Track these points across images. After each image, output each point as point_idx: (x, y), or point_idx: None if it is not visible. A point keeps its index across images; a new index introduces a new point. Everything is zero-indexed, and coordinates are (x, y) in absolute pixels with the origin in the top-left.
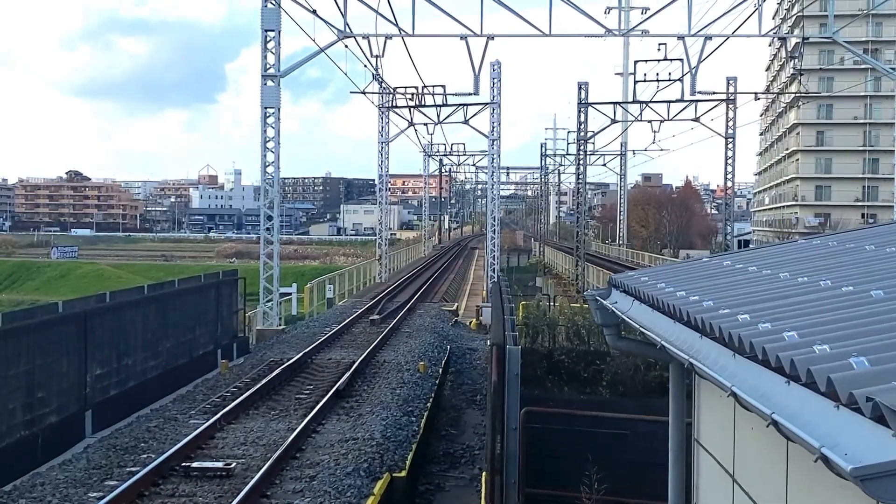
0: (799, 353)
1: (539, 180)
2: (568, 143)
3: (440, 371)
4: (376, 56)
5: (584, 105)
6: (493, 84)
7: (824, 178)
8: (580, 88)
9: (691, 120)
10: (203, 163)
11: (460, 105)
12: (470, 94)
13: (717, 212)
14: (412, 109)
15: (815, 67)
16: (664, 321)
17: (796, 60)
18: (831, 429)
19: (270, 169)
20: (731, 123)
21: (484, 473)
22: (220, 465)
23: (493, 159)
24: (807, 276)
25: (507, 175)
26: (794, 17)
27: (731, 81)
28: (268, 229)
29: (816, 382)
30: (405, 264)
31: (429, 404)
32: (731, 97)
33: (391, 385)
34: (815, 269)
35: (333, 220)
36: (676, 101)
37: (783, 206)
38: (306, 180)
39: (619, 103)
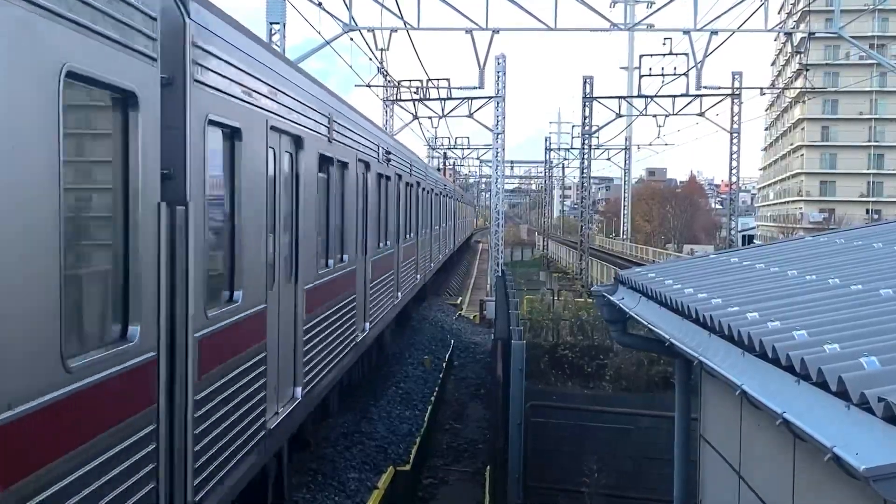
0: (809, 353)
1: (543, 174)
2: (572, 138)
3: (444, 365)
4: (381, 49)
5: (588, 99)
6: (498, 78)
7: (829, 174)
8: (585, 82)
9: (696, 115)
10: None
11: (465, 98)
12: (475, 88)
13: (721, 207)
14: (417, 103)
15: (820, 63)
16: (672, 318)
17: (802, 55)
18: (842, 428)
19: None
20: (736, 119)
21: (487, 467)
22: None
23: (497, 153)
24: (815, 274)
25: (512, 169)
26: (799, 13)
27: (736, 76)
28: None
29: (828, 382)
30: None
31: (432, 398)
32: (737, 92)
33: (395, 379)
34: (822, 266)
35: None
36: (681, 95)
37: (788, 202)
38: None
39: (623, 98)
